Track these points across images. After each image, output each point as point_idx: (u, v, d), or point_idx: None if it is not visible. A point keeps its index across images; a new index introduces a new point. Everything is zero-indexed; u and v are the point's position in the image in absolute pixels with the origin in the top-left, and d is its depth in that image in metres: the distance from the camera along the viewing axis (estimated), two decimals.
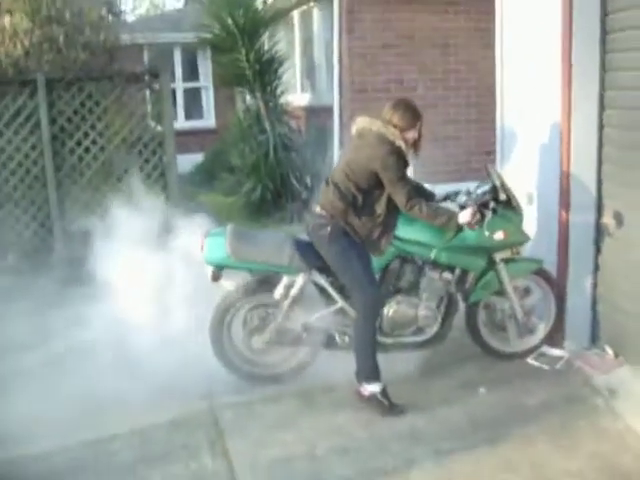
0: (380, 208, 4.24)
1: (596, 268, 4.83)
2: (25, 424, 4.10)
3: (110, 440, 4.05)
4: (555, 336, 4.93)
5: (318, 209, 4.34)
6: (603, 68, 4.59)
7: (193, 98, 15.78)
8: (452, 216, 4.25)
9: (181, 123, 15.09)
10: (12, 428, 4.07)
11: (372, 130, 4.25)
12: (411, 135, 4.32)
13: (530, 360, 4.82)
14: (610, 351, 4.73)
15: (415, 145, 4.40)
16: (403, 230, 4.35)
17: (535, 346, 4.90)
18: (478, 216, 4.24)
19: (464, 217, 4.22)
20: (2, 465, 3.82)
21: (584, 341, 4.90)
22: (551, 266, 4.93)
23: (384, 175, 4.16)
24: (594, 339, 4.91)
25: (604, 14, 4.52)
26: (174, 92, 15.21)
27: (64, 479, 3.71)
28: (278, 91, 10.30)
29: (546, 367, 4.72)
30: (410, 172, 4.76)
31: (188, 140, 13.83)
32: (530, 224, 5.20)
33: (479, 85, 8.85)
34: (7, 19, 7.40)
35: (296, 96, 11.47)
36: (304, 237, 4.50)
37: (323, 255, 4.31)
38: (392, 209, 4.26)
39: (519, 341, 4.88)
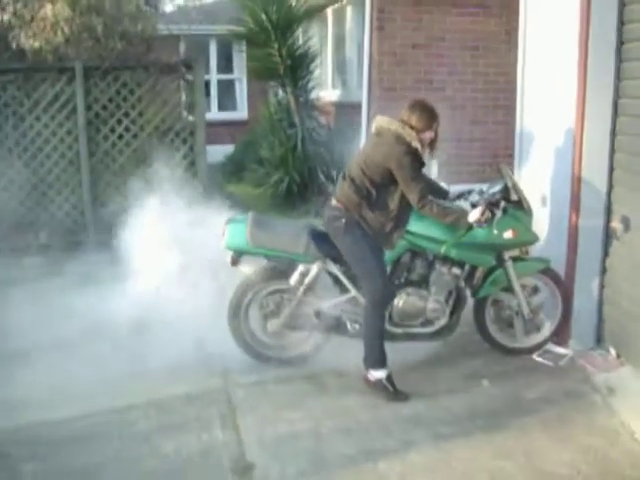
0: (393, 204, 4.42)
1: (603, 270, 4.97)
2: (49, 393, 4.40)
3: (128, 410, 4.30)
4: (561, 335, 5.09)
5: (334, 201, 4.54)
6: (618, 77, 4.72)
7: (227, 90, 16.04)
8: (462, 215, 4.43)
9: (214, 114, 15.33)
10: (37, 396, 4.37)
11: (390, 130, 4.42)
12: (427, 136, 4.48)
13: (535, 357, 4.99)
14: (613, 352, 4.87)
15: (431, 145, 4.56)
16: (415, 225, 4.53)
17: (541, 343, 5.06)
18: (487, 214, 4.40)
19: (473, 216, 4.39)
20: (28, 428, 4.10)
21: (589, 341, 5.05)
22: (561, 267, 5.08)
23: (398, 174, 4.33)
24: (599, 339, 5.05)
25: (620, 24, 4.66)
26: (208, 83, 15.49)
27: (83, 444, 3.95)
28: (309, 86, 10.49)
29: (550, 364, 4.89)
30: (434, 171, 4.93)
31: (220, 131, 14.08)
32: (543, 225, 5.37)
33: (507, 88, 8.91)
34: (49, 7, 7.68)
35: (327, 92, 11.68)
36: (320, 227, 4.70)
37: (337, 245, 4.51)
38: (405, 205, 4.44)
39: (525, 338, 5.04)
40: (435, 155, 4.64)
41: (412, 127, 4.40)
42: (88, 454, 3.84)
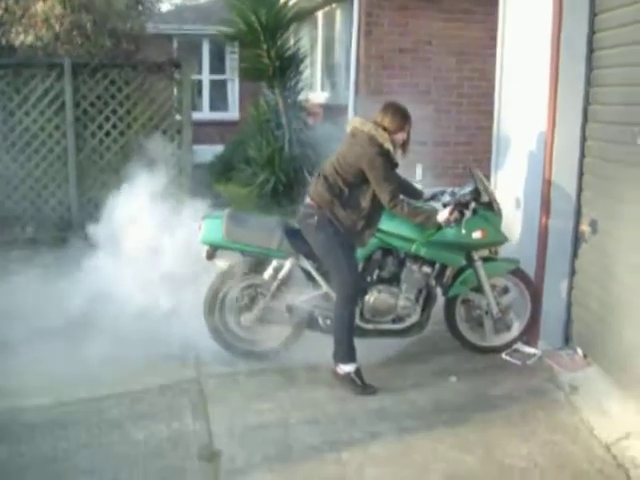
0: (365, 202, 4.53)
1: (573, 272, 5.09)
2: (28, 381, 4.54)
3: (103, 399, 4.41)
4: (530, 334, 5.21)
5: (308, 199, 4.66)
6: (588, 83, 4.85)
7: (219, 90, 16.14)
8: (430, 215, 4.55)
9: (205, 114, 15.47)
10: (17, 383, 4.52)
11: (364, 131, 4.54)
12: (400, 137, 4.60)
13: (504, 355, 5.10)
14: (580, 352, 4.99)
15: (403, 146, 4.68)
16: (386, 223, 4.65)
17: (510, 342, 5.17)
18: (456, 214, 4.53)
19: (442, 216, 4.52)
20: (3, 413, 4.21)
21: (558, 341, 5.17)
22: (533, 268, 5.20)
23: (370, 174, 4.45)
24: (567, 340, 5.17)
25: (591, 32, 4.79)
26: (200, 83, 15.62)
27: (57, 429, 4.06)
28: (297, 88, 10.60)
29: (518, 363, 5.01)
30: (419, 174, 5.03)
31: (211, 131, 14.20)
32: (516, 227, 5.50)
33: (490, 93, 9.05)
34: (40, 4, 7.79)
35: (316, 94, 11.80)
36: (294, 224, 4.82)
37: (310, 242, 4.63)
38: (377, 204, 4.55)
39: (495, 337, 5.16)
40: (405, 156, 4.73)
41: (385, 128, 4.52)
42: (61, 439, 3.95)
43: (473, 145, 9.54)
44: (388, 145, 4.49)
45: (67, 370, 4.64)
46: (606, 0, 4.62)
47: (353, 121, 4.70)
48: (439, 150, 9.28)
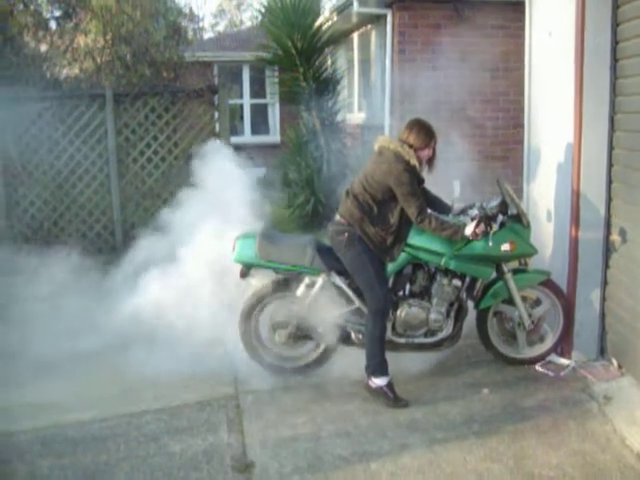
0: (393, 218, 4.63)
1: (605, 283, 5.09)
2: (71, 397, 4.77)
3: (143, 414, 4.57)
4: (564, 346, 5.21)
5: (338, 217, 4.78)
6: (614, 92, 4.88)
7: (260, 114, 16.40)
8: (458, 229, 4.60)
9: (247, 138, 15.72)
10: (62, 400, 4.73)
11: (390, 148, 4.65)
12: (425, 153, 4.70)
13: (537, 367, 5.12)
14: (615, 363, 4.98)
15: (429, 162, 4.78)
16: (415, 238, 4.72)
17: (543, 354, 5.19)
18: (482, 227, 4.58)
19: (469, 229, 4.58)
20: (48, 429, 4.39)
21: (592, 352, 5.16)
22: (565, 279, 5.20)
23: (398, 190, 4.55)
24: (602, 351, 5.16)
25: (615, 42, 4.82)
26: (242, 108, 15.91)
27: (98, 443, 4.22)
28: (334, 109, 10.76)
29: (551, 374, 5.01)
30: (457, 191, 5.10)
31: (254, 154, 14.40)
32: (549, 239, 5.51)
33: None
34: (82, 38, 8.10)
35: (353, 115, 11.94)
36: (326, 242, 4.93)
37: (341, 258, 4.73)
38: (405, 220, 4.65)
39: (528, 349, 5.17)
40: (432, 172, 4.82)
41: (410, 145, 4.62)
42: (101, 452, 4.11)
43: (510, 159, 9.54)
44: (414, 161, 4.58)
45: (111, 388, 4.87)
46: (626, 10, 4.66)
47: (380, 139, 4.81)
48: (476, 166, 9.29)
